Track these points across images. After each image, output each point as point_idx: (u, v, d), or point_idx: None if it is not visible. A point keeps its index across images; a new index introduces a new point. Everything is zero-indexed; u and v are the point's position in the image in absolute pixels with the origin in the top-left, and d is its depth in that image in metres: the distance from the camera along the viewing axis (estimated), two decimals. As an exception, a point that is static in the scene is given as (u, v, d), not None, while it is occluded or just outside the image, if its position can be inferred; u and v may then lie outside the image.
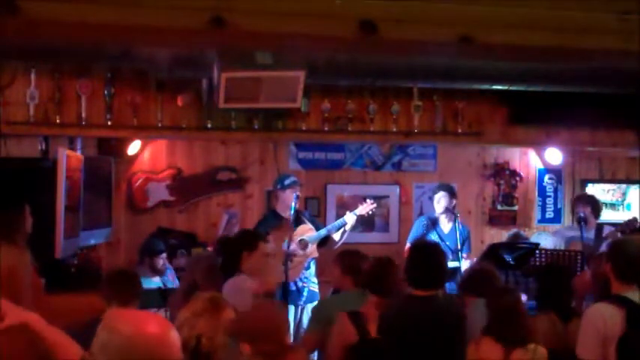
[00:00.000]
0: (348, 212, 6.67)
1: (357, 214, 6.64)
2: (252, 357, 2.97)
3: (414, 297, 3.97)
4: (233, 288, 4.47)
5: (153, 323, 1.88)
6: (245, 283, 4.55)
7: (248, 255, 4.72)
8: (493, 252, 6.07)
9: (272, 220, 6.48)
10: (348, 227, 6.62)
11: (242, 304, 3.80)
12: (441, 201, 6.75)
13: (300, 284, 6.44)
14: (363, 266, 4.49)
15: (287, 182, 6.52)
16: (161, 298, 5.20)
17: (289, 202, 6.35)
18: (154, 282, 6.14)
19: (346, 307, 4.16)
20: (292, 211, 6.30)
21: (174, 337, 1.88)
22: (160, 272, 6.33)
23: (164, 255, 6.42)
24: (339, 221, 6.67)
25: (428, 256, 4.10)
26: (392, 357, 3.77)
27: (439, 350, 3.82)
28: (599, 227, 6.61)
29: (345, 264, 4.66)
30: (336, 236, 6.64)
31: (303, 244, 6.47)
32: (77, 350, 2.66)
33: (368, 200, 6.76)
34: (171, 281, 6.37)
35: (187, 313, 3.09)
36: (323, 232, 6.60)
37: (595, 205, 6.73)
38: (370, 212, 6.78)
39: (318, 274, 6.65)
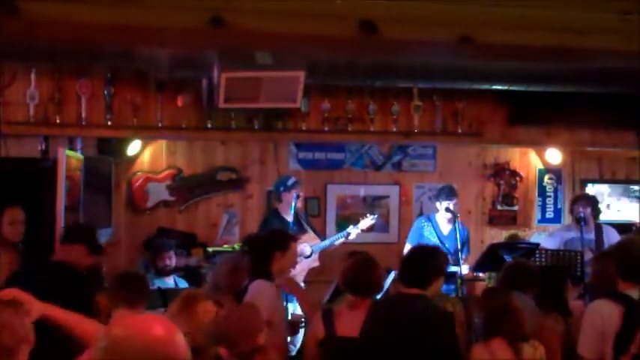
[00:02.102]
0: (352, 226, 6.76)
1: (360, 228, 6.74)
2: (229, 358, 2.98)
3: (400, 294, 3.99)
4: (258, 290, 4.40)
5: (158, 326, 1.88)
6: (271, 288, 4.51)
7: (280, 255, 4.61)
8: (493, 252, 6.07)
9: (276, 223, 6.50)
10: (350, 238, 6.71)
11: (263, 308, 3.82)
12: (451, 206, 6.66)
13: None
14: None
15: (290, 183, 6.57)
16: (161, 298, 5.20)
17: (293, 202, 6.40)
18: (167, 282, 6.12)
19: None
20: (292, 211, 6.32)
21: (181, 339, 1.87)
22: (162, 272, 6.27)
23: (170, 254, 6.37)
24: (342, 233, 6.77)
25: (415, 255, 4.16)
26: (371, 352, 3.76)
27: (413, 347, 3.79)
28: (599, 227, 6.60)
29: None
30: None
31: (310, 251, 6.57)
32: (97, 326, 2.71)
33: (368, 215, 6.86)
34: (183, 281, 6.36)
35: (168, 316, 3.09)
36: (327, 243, 6.70)
37: (595, 206, 6.72)
38: (370, 225, 6.88)
39: (316, 275, 6.72)
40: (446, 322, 3.81)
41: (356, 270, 4.18)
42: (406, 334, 3.73)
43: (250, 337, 2.98)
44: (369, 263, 4.25)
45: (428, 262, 4.03)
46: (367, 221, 6.79)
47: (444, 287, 5.92)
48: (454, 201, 6.69)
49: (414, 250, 4.37)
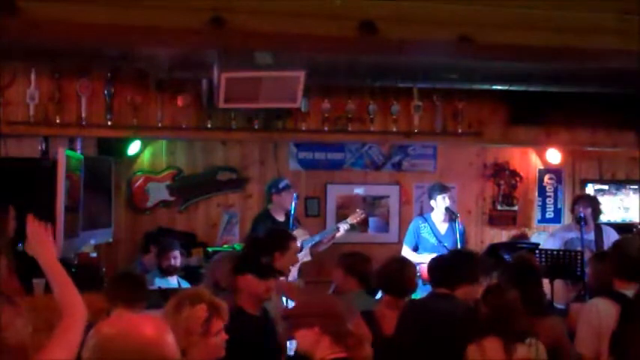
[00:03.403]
0: (342, 222, 6.88)
1: (349, 222, 6.85)
2: (320, 338, 3.00)
3: (432, 294, 4.20)
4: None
5: (149, 325, 1.87)
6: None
7: (280, 255, 4.65)
8: (493, 252, 6.07)
9: (267, 223, 6.54)
10: (338, 235, 6.79)
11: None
12: (446, 200, 6.75)
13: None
14: (369, 267, 4.54)
15: (281, 185, 6.66)
16: (161, 298, 5.18)
17: (284, 204, 6.45)
18: (170, 282, 6.11)
19: (354, 307, 4.19)
20: (292, 212, 6.34)
21: (171, 339, 1.87)
22: (166, 271, 6.26)
23: (175, 253, 6.36)
24: (332, 228, 6.90)
25: (447, 256, 4.41)
26: (409, 352, 3.83)
27: (435, 344, 3.85)
28: (599, 228, 6.61)
29: (348, 266, 4.69)
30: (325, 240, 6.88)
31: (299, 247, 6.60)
32: (82, 307, 2.66)
33: (358, 210, 7.02)
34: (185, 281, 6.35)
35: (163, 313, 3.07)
36: (317, 237, 6.79)
37: (596, 207, 6.72)
38: (360, 220, 7.03)
39: (315, 275, 6.73)
40: (470, 320, 3.87)
41: (392, 271, 4.24)
42: (429, 332, 3.81)
43: (341, 318, 3.05)
44: (404, 264, 4.32)
45: (455, 264, 4.20)
46: (355, 215, 6.92)
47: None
48: (448, 194, 6.75)
49: (450, 252, 4.71)
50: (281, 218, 6.53)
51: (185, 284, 6.17)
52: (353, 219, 6.88)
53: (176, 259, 6.31)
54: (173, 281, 6.18)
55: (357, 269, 4.60)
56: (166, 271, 6.22)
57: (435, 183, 7.06)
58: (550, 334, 3.83)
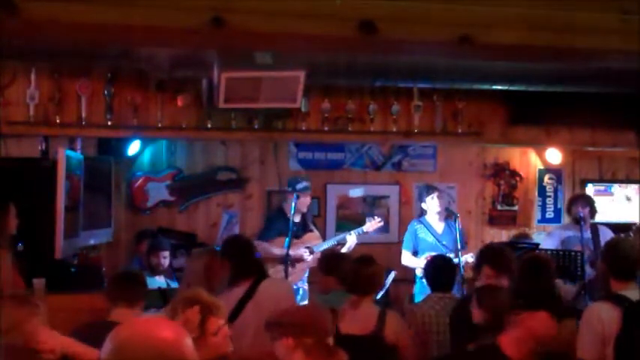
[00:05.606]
0: (357, 229, 6.79)
1: (365, 230, 6.79)
2: (293, 350, 2.99)
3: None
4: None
5: (167, 328, 1.87)
6: None
7: None
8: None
9: (280, 221, 6.52)
10: (350, 243, 6.72)
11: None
12: (435, 199, 6.77)
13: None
14: (346, 264, 4.57)
15: (299, 187, 6.59)
16: (161, 298, 5.19)
17: (299, 206, 6.45)
18: (157, 281, 6.10)
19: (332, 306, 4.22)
20: (292, 211, 6.31)
21: (189, 342, 1.86)
22: (155, 270, 6.23)
23: (165, 253, 6.34)
24: (343, 235, 6.83)
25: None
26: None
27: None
28: (595, 228, 6.62)
29: (326, 265, 4.73)
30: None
31: (310, 252, 6.58)
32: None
33: (376, 217, 6.89)
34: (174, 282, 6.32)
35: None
36: (330, 242, 6.76)
37: (593, 206, 6.75)
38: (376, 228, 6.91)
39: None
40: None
41: (354, 270, 4.24)
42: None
43: (318, 330, 3.02)
44: (367, 262, 4.32)
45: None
46: (373, 224, 6.83)
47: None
48: (437, 193, 6.76)
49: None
50: (296, 219, 6.47)
51: (174, 284, 6.14)
52: (369, 227, 6.81)
53: (165, 259, 6.29)
54: (161, 280, 6.16)
55: (333, 268, 4.63)
56: (154, 270, 6.19)
57: (421, 185, 7.09)
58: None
